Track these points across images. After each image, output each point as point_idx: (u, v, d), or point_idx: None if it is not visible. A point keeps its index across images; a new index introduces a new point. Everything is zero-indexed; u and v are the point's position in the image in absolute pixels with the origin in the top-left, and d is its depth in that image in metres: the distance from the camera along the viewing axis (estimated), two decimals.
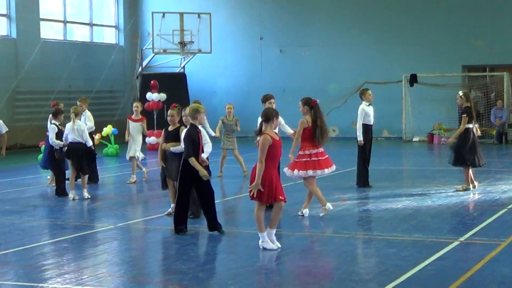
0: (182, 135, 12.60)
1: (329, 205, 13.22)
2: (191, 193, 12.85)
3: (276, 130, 13.11)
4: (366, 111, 16.78)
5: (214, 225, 12.08)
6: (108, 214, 14.47)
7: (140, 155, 18.88)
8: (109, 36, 34.90)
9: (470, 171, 16.40)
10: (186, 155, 11.80)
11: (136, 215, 14.60)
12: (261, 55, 34.10)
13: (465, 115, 16.18)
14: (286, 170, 13.22)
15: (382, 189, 16.77)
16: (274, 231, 10.93)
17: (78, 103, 18.42)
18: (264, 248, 10.77)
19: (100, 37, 34.48)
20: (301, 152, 13.14)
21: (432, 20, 31.51)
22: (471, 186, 16.38)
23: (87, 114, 18.36)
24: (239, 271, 10.01)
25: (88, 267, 10.37)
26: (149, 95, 29.20)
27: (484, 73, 31.63)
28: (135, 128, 18.72)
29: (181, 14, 31.93)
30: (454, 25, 31.29)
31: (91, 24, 33.67)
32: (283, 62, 33.70)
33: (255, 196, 10.65)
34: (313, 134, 13.00)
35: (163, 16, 31.78)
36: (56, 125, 16.76)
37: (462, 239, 11.48)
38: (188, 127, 12.20)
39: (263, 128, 10.77)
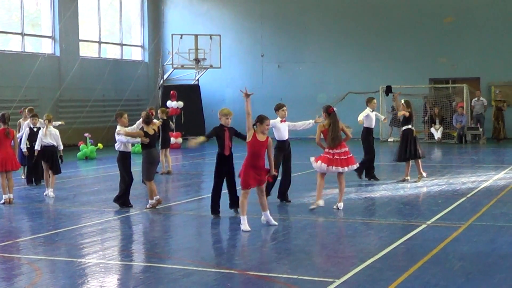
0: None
1: (321, 202, 12.55)
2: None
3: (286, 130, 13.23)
4: (370, 116, 16.73)
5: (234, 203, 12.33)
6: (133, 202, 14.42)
7: None
8: (136, 54, 34.88)
9: (417, 163, 16.46)
10: (206, 136, 12.11)
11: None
12: (262, 69, 34.07)
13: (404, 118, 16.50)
14: (312, 160, 12.72)
15: (363, 181, 16.75)
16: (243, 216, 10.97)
17: (26, 111, 17.75)
18: (242, 230, 10.83)
19: (128, 55, 34.45)
20: (327, 150, 12.58)
21: (404, 40, 31.49)
22: (418, 177, 16.50)
23: (26, 122, 17.21)
24: (243, 249, 10.04)
25: (118, 245, 10.40)
26: (169, 103, 29.19)
27: (447, 85, 31.56)
28: None
29: (196, 35, 31.93)
30: (422, 45, 31.27)
31: (121, 44, 33.64)
32: (280, 75, 33.66)
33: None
34: (327, 137, 12.59)
35: (181, 38, 31.78)
36: (30, 127, 16.46)
37: (429, 222, 11.48)
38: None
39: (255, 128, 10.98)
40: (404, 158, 16.52)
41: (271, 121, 13.04)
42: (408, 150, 16.27)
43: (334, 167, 12.48)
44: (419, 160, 16.52)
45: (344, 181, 12.90)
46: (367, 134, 16.86)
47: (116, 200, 13.47)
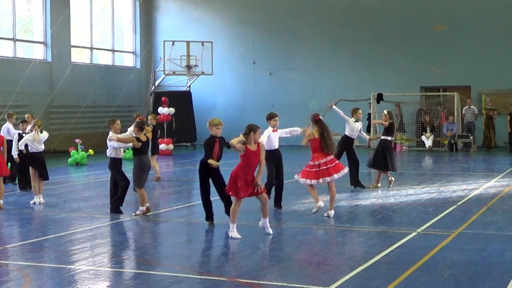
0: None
1: (321, 203, 12.64)
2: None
3: (276, 139, 13.24)
4: (352, 126, 16.60)
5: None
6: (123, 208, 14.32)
7: None
8: (127, 60, 34.85)
9: (385, 173, 16.61)
10: (206, 158, 11.70)
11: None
12: (254, 76, 34.09)
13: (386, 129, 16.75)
14: (297, 177, 12.86)
15: (353, 188, 16.75)
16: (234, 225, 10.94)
17: (27, 116, 18.05)
18: (231, 237, 10.80)
19: (120, 61, 34.43)
20: (311, 163, 12.70)
21: (396, 48, 31.59)
22: (379, 185, 16.72)
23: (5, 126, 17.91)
24: (233, 256, 10.01)
25: (108, 252, 10.37)
26: (161, 110, 29.20)
27: (438, 93, 31.66)
28: None
29: (188, 42, 31.94)
30: (414, 53, 31.38)
31: (113, 50, 33.62)
32: (272, 82, 33.70)
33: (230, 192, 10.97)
34: (321, 145, 12.63)
35: (173, 44, 31.80)
36: (19, 133, 16.44)
37: (419, 230, 11.49)
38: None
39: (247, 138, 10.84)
40: (380, 167, 16.64)
41: (264, 133, 13.11)
42: (388, 161, 16.42)
43: (321, 180, 12.60)
44: (388, 173, 16.68)
45: (335, 188, 12.93)
46: (344, 143, 16.71)
47: (114, 201, 13.44)
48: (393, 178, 16.60)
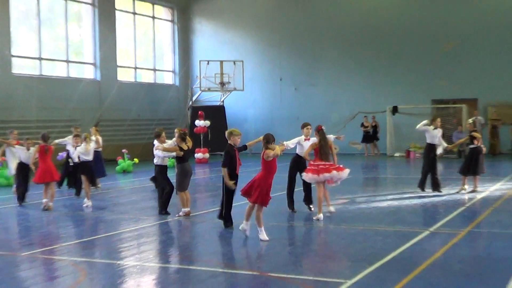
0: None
1: (321, 216, 12.61)
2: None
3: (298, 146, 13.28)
4: (431, 133, 16.48)
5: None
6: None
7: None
8: (168, 78, 35.11)
9: (473, 179, 16.61)
10: (223, 165, 11.61)
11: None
12: (281, 91, 34.16)
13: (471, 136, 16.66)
14: (304, 175, 12.87)
15: (371, 192, 16.74)
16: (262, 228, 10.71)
17: (80, 131, 18.25)
18: (261, 240, 10.58)
19: (161, 79, 34.70)
20: (312, 162, 12.82)
21: (409, 65, 31.47)
22: (466, 187, 16.57)
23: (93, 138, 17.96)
24: (264, 253, 10.06)
25: (152, 249, 10.48)
26: (197, 122, 29.39)
27: (448, 105, 31.47)
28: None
29: (221, 61, 32.12)
30: (425, 69, 31.21)
31: (154, 70, 33.91)
32: (297, 97, 33.74)
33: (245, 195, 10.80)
34: (319, 152, 12.81)
35: (208, 63, 31.99)
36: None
37: (431, 229, 11.46)
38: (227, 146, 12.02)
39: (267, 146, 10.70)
40: (465, 173, 16.63)
41: (296, 138, 13.22)
42: (471, 167, 16.43)
43: (324, 174, 12.63)
44: (477, 177, 16.62)
45: (328, 192, 13.02)
46: (429, 150, 16.60)
47: (161, 204, 13.68)
48: (466, 187, 16.52)
